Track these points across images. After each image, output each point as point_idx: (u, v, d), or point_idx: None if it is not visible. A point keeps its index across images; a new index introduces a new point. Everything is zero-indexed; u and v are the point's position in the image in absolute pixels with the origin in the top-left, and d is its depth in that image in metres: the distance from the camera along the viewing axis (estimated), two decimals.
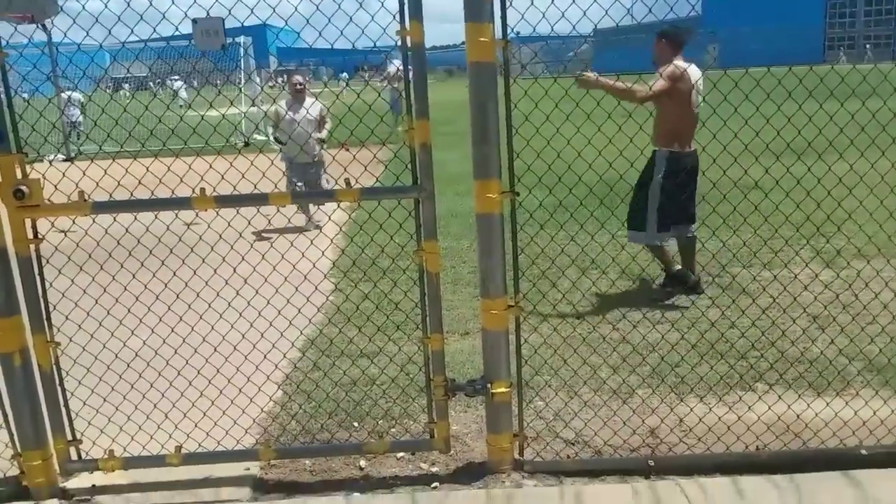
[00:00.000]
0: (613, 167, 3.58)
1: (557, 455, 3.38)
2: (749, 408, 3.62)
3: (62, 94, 18.67)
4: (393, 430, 3.73)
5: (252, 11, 3.14)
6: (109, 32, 3.03)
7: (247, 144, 15.70)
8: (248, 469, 3.33)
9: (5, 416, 3.05)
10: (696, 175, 5.34)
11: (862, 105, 3.41)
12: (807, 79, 3.11)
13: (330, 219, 8.25)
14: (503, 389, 3.15)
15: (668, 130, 5.19)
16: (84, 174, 3.03)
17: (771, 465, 3.14)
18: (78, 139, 18.72)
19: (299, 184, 8.47)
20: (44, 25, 15.11)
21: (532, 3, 3.07)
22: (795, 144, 3.39)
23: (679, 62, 5.18)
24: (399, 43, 2.87)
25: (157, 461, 3.18)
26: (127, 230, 3.24)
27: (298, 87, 8.54)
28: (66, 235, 2.92)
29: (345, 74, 34.18)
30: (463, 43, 2.91)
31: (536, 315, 5.02)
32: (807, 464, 3.13)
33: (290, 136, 7.79)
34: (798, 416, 3.41)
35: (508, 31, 2.88)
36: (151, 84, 21.52)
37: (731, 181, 3.74)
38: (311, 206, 8.63)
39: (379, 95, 3.19)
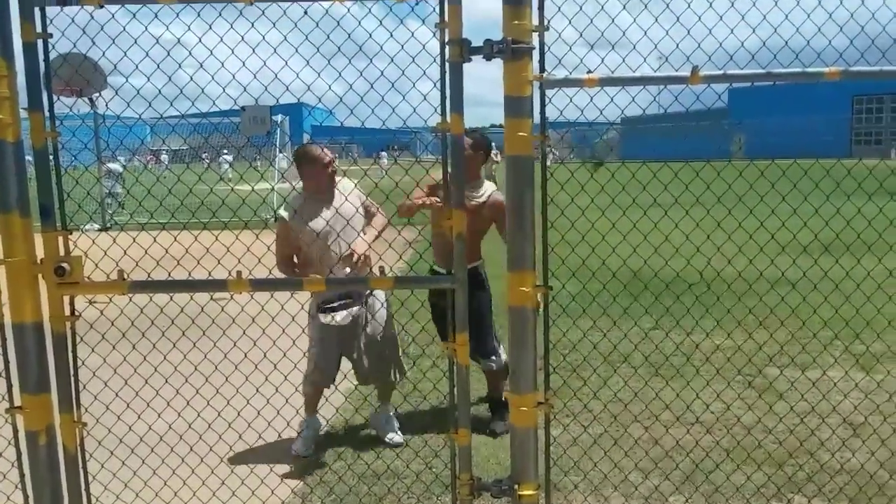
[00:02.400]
0: (648, 264, 3.55)
1: None
2: None
3: (104, 166, 19.54)
4: None
5: (297, 98, 3.24)
6: (161, 116, 3.13)
7: (276, 220, 15.98)
8: None
9: (26, 497, 3.00)
10: None
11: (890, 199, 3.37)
12: (836, 173, 3.11)
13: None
14: (530, 492, 3.04)
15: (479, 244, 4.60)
16: (125, 253, 3.07)
17: None
18: (120, 209, 19.16)
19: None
20: (91, 100, 15.80)
21: (571, 101, 3.12)
22: (827, 241, 3.35)
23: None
24: (437, 135, 2.92)
25: None
26: (162, 310, 3.25)
27: (329, 166, 4.19)
28: (97, 308, 2.93)
29: (384, 153, 34.70)
30: (492, 125, 2.96)
31: (566, 413, 4.90)
32: None
33: (324, 253, 4.10)
34: None
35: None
36: (192, 161, 22.38)
37: (766, 280, 3.70)
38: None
39: (405, 176, 3.20)
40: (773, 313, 3.92)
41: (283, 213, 4.22)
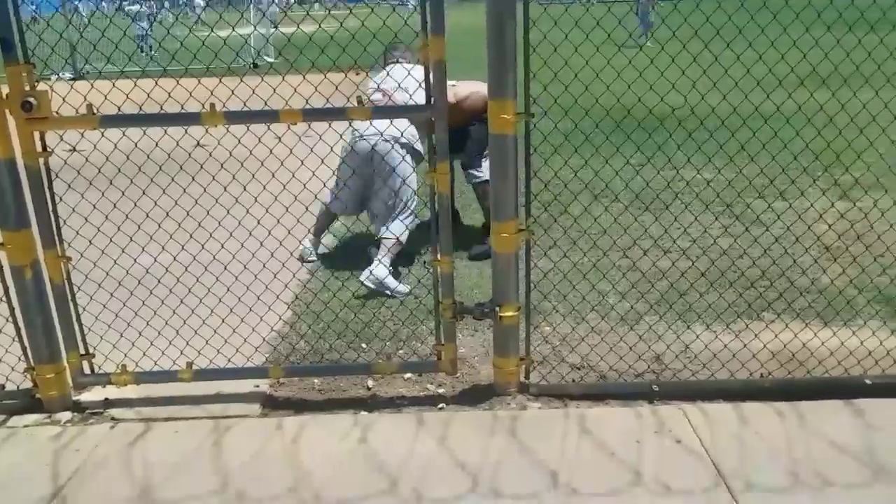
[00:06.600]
0: (632, 89, 3.48)
1: (563, 379, 3.42)
2: (755, 336, 3.63)
3: (130, 8, 19.47)
4: (401, 351, 3.77)
5: None
6: None
7: (255, 66, 15.38)
8: (258, 386, 3.38)
9: (18, 329, 3.09)
10: None
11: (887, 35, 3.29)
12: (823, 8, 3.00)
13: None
14: (511, 313, 3.16)
15: None
16: (92, 87, 2.98)
17: (774, 392, 3.17)
18: (150, 51, 18.46)
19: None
20: None
21: None
22: (816, 73, 3.28)
23: None
24: None
25: (169, 376, 3.23)
26: (136, 145, 3.19)
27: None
28: (74, 150, 2.89)
29: None
30: None
31: (547, 240, 5.00)
32: (810, 391, 3.15)
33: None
34: (804, 345, 3.42)
35: None
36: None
37: (761, 115, 3.66)
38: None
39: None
40: (765, 148, 3.90)
41: None
